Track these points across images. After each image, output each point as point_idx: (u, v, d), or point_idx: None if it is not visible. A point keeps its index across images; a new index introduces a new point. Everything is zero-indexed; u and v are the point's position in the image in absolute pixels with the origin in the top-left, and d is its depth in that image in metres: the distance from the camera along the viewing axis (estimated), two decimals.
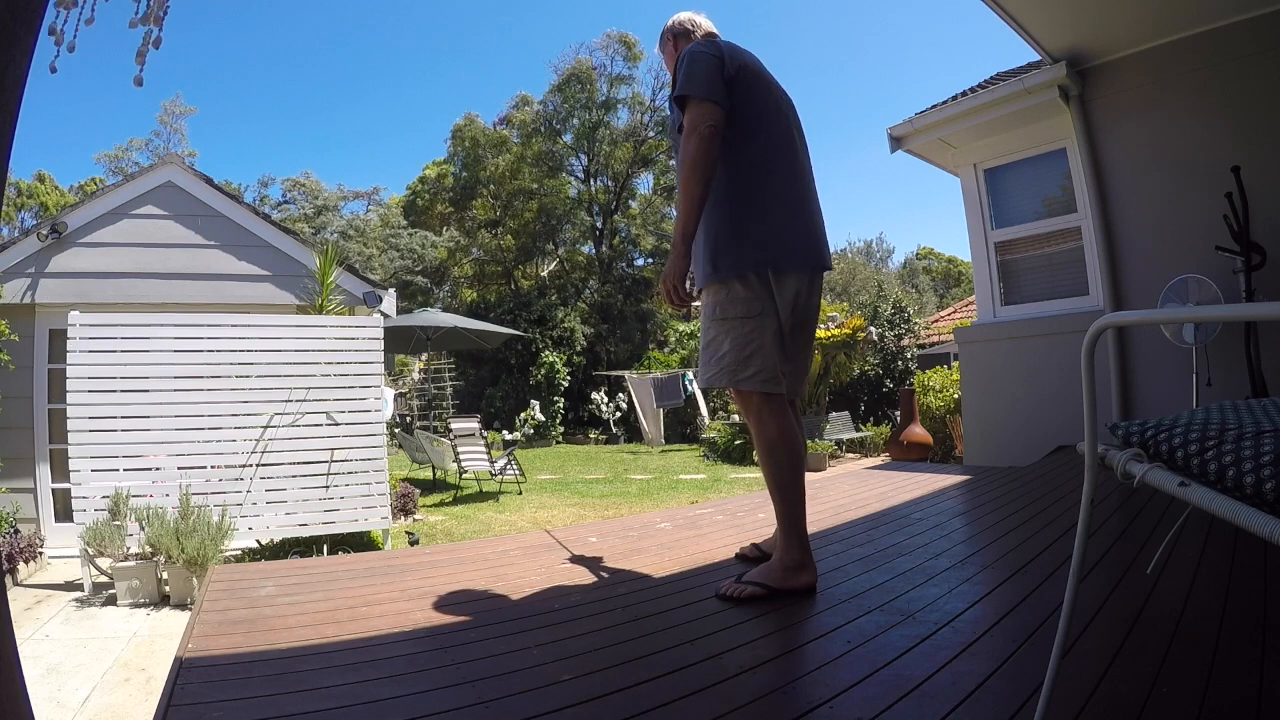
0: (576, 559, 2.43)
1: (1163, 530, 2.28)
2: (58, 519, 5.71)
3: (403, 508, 6.86)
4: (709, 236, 1.89)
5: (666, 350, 17.65)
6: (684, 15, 2.15)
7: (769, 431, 1.86)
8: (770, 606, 1.80)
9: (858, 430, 11.77)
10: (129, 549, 4.42)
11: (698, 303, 2.01)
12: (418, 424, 15.06)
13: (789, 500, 1.85)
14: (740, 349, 1.84)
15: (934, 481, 3.92)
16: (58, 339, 5.61)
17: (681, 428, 14.87)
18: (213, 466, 4.93)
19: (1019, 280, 5.35)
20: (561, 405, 16.25)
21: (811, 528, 2.23)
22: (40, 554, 5.21)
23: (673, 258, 1.82)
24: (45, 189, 23.67)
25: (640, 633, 1.68)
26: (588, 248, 21.51)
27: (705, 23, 2.15)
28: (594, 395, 16.85)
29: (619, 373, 16.68)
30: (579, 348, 17.51)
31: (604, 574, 2.23)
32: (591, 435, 16.46)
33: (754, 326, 1.84)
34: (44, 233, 5.88)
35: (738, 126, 1.87)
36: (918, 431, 9.25)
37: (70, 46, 1.68)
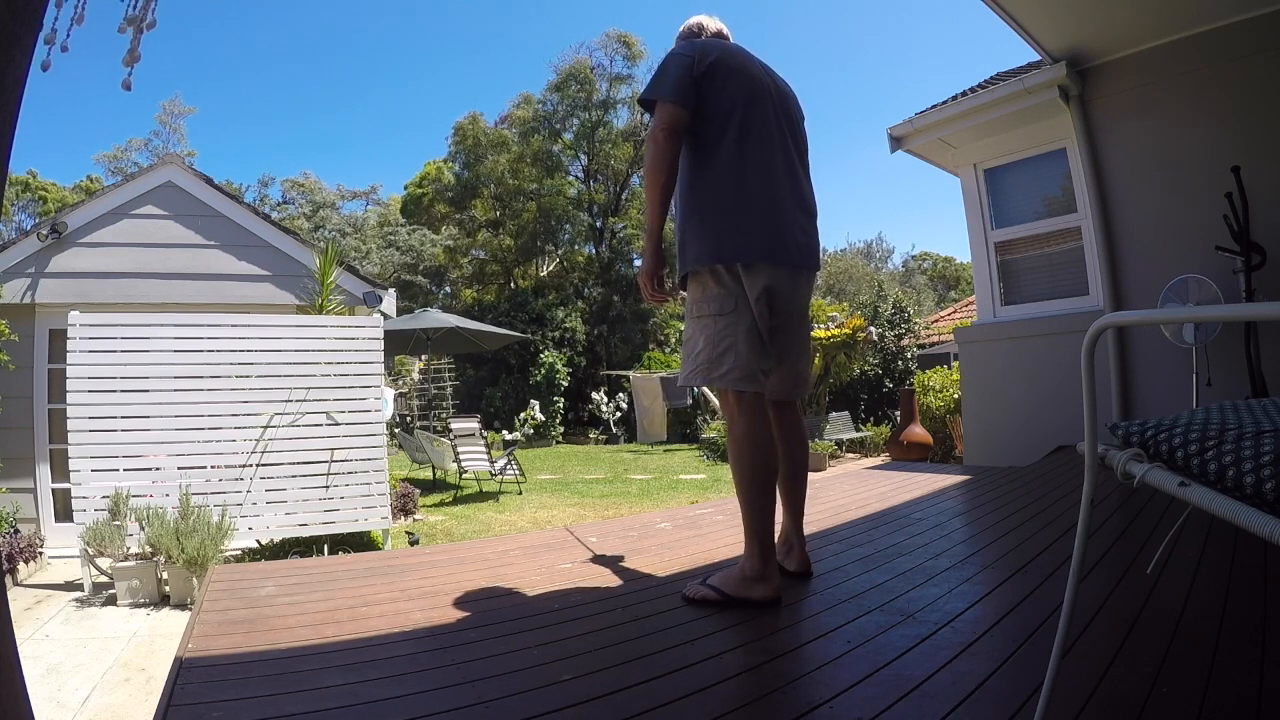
0: (576, 559, 2.43)
1: (1163, 530, 2.28)
2: (58, 519, 5.71)
3: (403, 508, 6.86)
4: (680, 231, 1.91)
5: (667, 350, 17.65)
6: (695, 19, 2.16)
7: (735, 431, 1.84)
8: (770, 608, 1.80)
9: (858, 430, 11.77)
10: (129, 549, 4.42)
11: (684, 294, 2.03)
12: (418, 424, 15.06)
13: (752, 505, 1.80)
14: (713, 346, 1.83)
15: (934, 481, 3.92)
16: (58, 339, 5.61)
17: (682, 428, 14.88)
18: (213, 466, 4.93)
19: (1019, 280, 5.35)
20: (561, 405, 16.25)
21: (811, 528, 2.22)
22: (40, 554, 5.21)
23: (645, 255, 1.93)
24: (36, 184, 23.70)
25: (640, 633, 1.68)
26: (587, 248, 21.51)
27: (714, 24, 2.15)
28: (594, 395, 16.85)
29: (623, 373, 16.68)
30: (579, 348, 17.50)
31: (604, 574, 2.23)
32: (591, 435, 16.46)
33: (727, 324, 1.82)
34: (44, 233, 5.88)
35: (710, 123, 1.85)
36: (918, 431, 9.25)
37: (63, 47, 1.67)
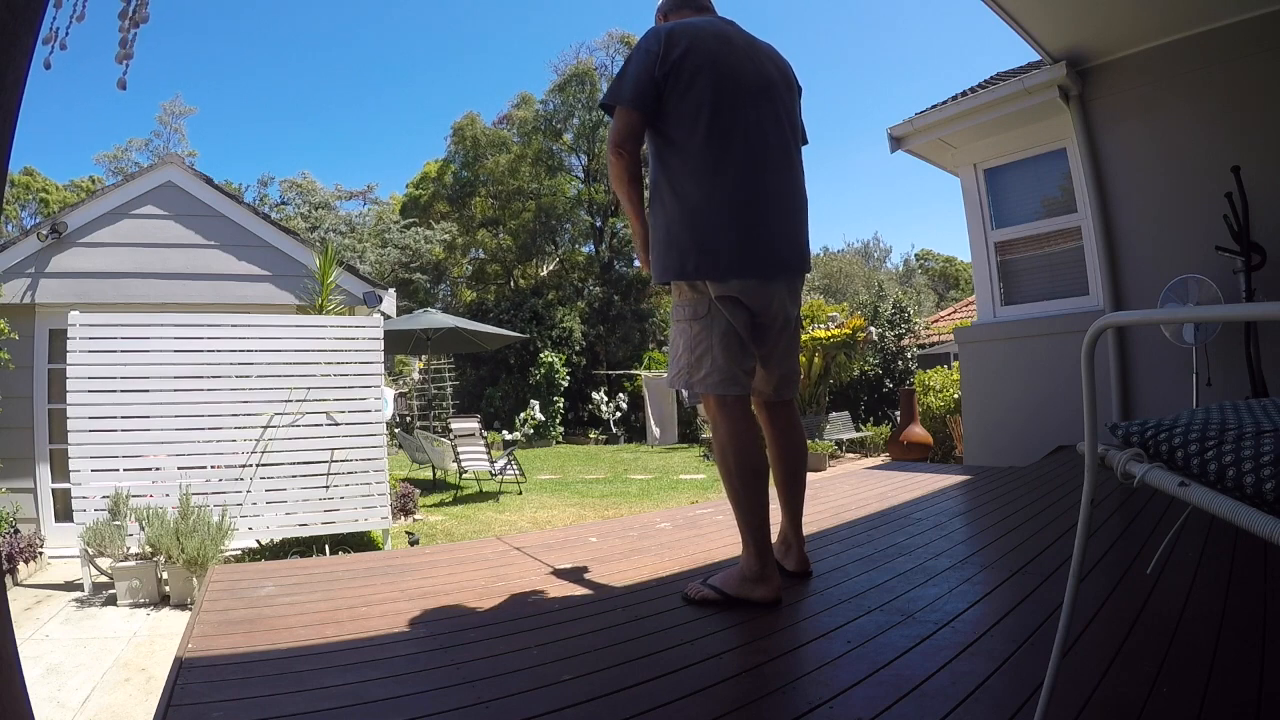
0: (576, 559, 2.43)
1: (1163, 530, 2.28)
2: (58, 519, 5.71)
3: (403, 508, 6.86)
4: (651, 236, 1.88)
5: (665, 350, 17.64)
6: None
7: (719, 435, 1.81)
8: (770, 609, 1.80)
9: (858, 430, 11.77)
10: (129, 549, 4.42)
11: None
12: (418, 424, 15.06)
13: (742, 506, 1.78)
14: (691, 350, 1.81)
15: (934, 481, 3.92)
16: (58, 339, 5.61)
17: (682, 428, 14.89)
18: (213, 466, 4.93)
19: (1019, 280, 5.35)
20: (561, 405, 16.26)
21: (811, 528, 2.22)
22: (40, 554, 5.21)
23: (638, 254, 1.97)
24: (37, 183, 23.67)
25: (640, 633, 1.68)
26: (587, 247, 21.52)
27: None
28: (594, 395, 16.86)
29: (623, 372, 16.68)
30: (578, 347, 17.52)
31: (604, 574, 2.23)
32: (591, 435, 16.47)
33: (701, 328, 1.79)
34: (44, 233, 5.88)
35: (677, 122, 1.77)
36: (918, 431, 9.25)
37: (62, 44, 1.67)
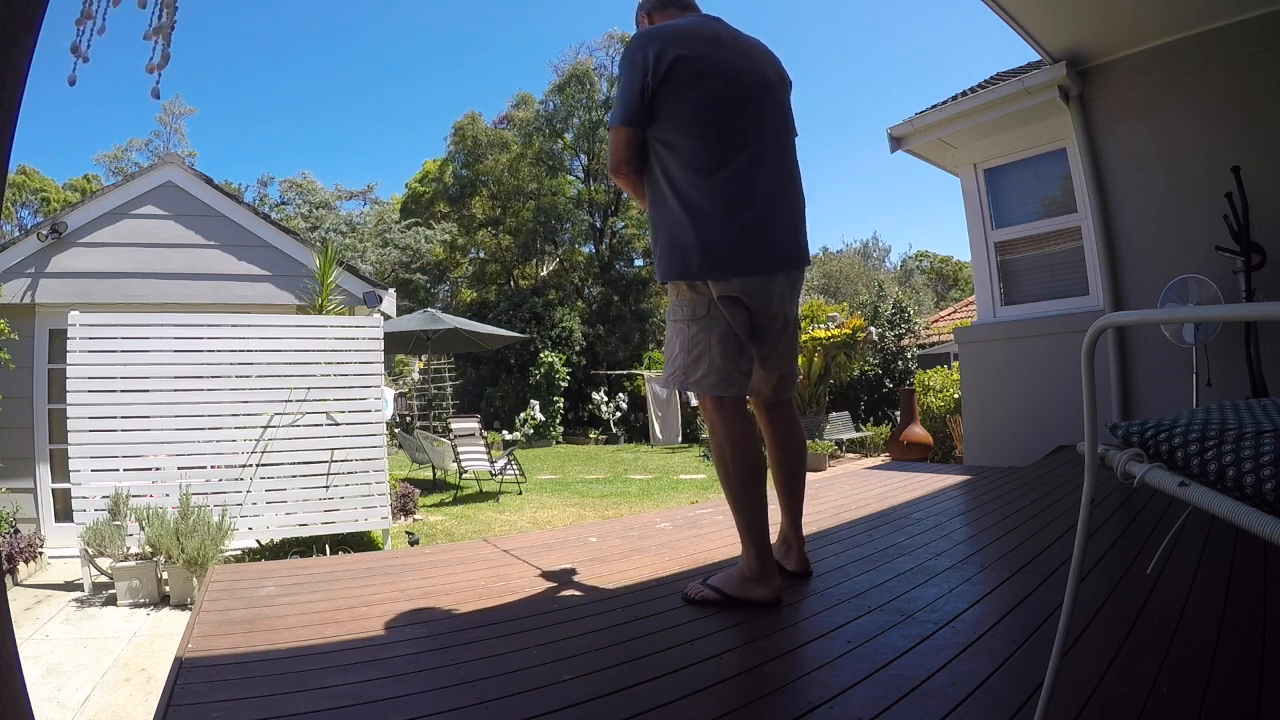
0: (577, 559, 2.43)
1: (1163, 530, 2.28)
2: (58, 519, 5.71)
3: (403, 508, 6.86)
4: (654, 241, 1.89)
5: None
6: None
7: (717, 437, 1.81)
8: (770, 609, 1.80)
9: (858, 430, 11.77)
10: (129, 549, 4.42)
11: None
12: (418, 424, 15.06)
13: (741, 507, 1.78)
14: (689, 351, 1.80)
15: (934, 481, 3.92)
16: (58, 339, 5.61)
17: (683, 428, 14.88)
18: (213, 466, 4.93)
19: (1019, 280, 5.35)
20: (561, 405, 16.26)
21: (811, 528, 2.21)
22: (40, 554, 5.21)
23: None
24: (34, 182, 23.67)
25: (640, 633, 1.68)
26: (587, 247, 21.52)
27: None
28: (594, 395, 16.86)
29: (622, 372, 16.67)
30: (578, 348, 17.52)
31: (604, 574, 2.23)
32: (591, 435, 16.47)
33: (700, 329, 1.78)
34: (44, 233, 5.88)
35: (673, 126, 1.77)
36: (918, 431, 9.25)
37: (85, 58, 1.68)
